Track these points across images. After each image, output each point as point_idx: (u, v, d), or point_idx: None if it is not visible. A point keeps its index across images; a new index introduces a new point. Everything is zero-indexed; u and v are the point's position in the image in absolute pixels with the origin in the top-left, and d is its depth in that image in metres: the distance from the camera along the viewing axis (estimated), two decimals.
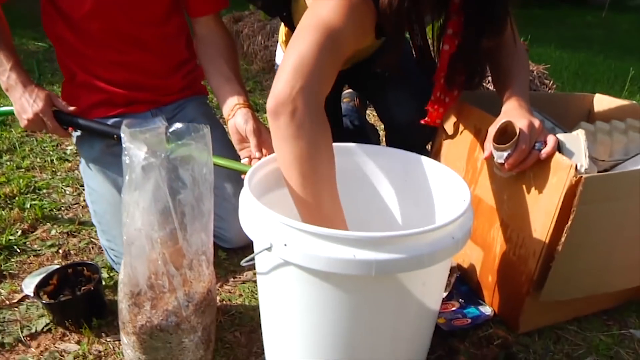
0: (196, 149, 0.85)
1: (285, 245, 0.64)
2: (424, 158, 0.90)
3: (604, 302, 1.08)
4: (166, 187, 0.82)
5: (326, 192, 0.79)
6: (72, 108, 1.12)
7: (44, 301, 1.00)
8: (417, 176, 0.91)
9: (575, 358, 0.98)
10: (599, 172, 1.08)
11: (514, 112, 0.93)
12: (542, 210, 0.91)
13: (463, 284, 1.18)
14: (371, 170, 0.95)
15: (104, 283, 1.16)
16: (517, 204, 0.98)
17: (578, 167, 0.87)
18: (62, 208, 1.53)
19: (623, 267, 0.98)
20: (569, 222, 0.86)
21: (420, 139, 1.29)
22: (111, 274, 1.21)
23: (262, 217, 0.68)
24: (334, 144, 0.91)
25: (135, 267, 0.83)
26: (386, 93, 1.25)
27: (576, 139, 0.91)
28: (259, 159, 1.02)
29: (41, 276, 1.17)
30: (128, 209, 0.81)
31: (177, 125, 0.91)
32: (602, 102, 1.38)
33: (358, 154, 0.95)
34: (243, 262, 0.72)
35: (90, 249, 1.33)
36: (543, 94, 1.40)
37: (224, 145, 1.26)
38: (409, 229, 0.93)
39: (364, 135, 1.74)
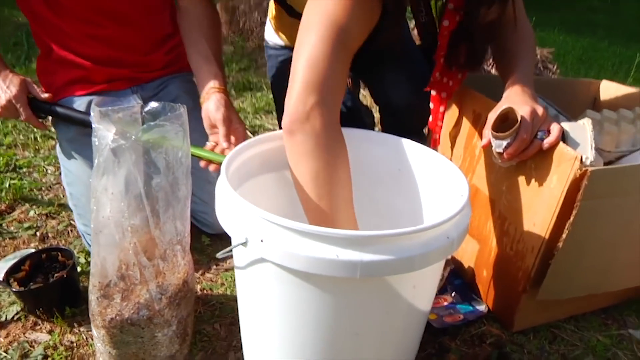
0: (171, 130, 0.78)
1: (261, 241, 0.59)
2: (419, 146, 0.83)
3: (603, 300, 1.03)
4: (137, 171, 0.75)
5: (343, 213, 0.74)
6: (46, 95, 1.05)
7: (13, 289, 0.95)
8: (412, 165, 0.85)
9: (571, 359, 0.93)
10: (604, 163, 1.03)
11: (516, 98, 0.86)
12: (543, 203, 0.85)
13: (457, 277, 1.13)
14: (363, 156, 0.89)
15: (80, 269, 1.11)
16: (516, 196, 0.92)
17: (583, 159, 0.80)
18: (43, 188, 1.47)
19: (628, 265, 0.92)
20: (572, 218, 0.80)
21: (417, 123, 1.22)
22: (88, 259, 1.15)
23: (238, 209, 0.62)
24: None
25: (104, 257, 0.78)
26: (383, 75, 1.18)
27: (582, 129, 0.85)
28: (226, 148, 0.97)
29: (15, 260, 1.12)
30: (95, 194, 0.75)
31: (153, 105, 0.85)
32: (609, 89, 1.31)
33: (350, 138, 0.88)
34: (219, 255, 0.66)
35: (69, 232, 1.27)
36: (547, 79, 1.33)
37: None
38: (402, 221, 0.89)
39: (357, 117, 1.67)
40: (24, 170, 1.56)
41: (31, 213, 1.33)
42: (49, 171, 1.57)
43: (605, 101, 1.32)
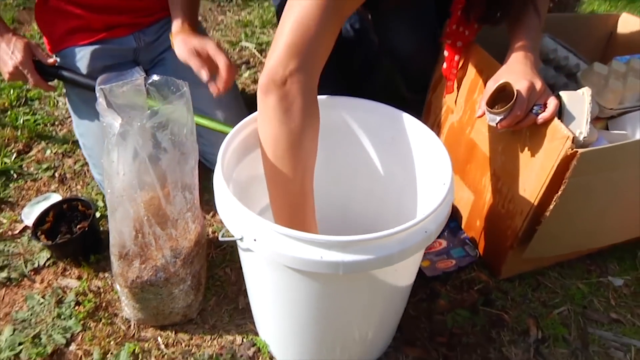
0: (176, 111, 0.81)
1: (255, 240, 0.64)
2: (414, 120, 0.84)
3: (588, 249, 1.09)
4: (145, 154, 0.80)
5: (298, 179, 0.74)
6: (51, 60, 1.05)
7: (42, 242, 1.04)
8: (405, 135, 0.86)
9: (550, 306, 1.02)
10: (605, 118, 1.03)
11: (516, 67, 0.85)
12: (534, 173, 0.88)
13: (453, 220, 1.19)
14: (357, 123, 0.91)
15: (99, 214, 1.19)
16: (510, 159, 0.94)
17: (577, 135, 0.82)
18: (56, 123, 1.52)
19: (614, 226, 0.97)
20: (559, 192, 0.83)
21: (421, 71, 1.21)
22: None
23: (234, 209, 0.67)
24: (321, 96, 0.86)
25: (121, 230, 0.85)
26: (389, 22, 1.14)
27: (580, 100, 0.85)
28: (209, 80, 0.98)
29: (39, 204, 1.21)
30: (108, 176, 0.81)
31: (155, 78, 0.87)
32: (627, 23, 1.26)
33: (345, 107, 0.89)
34: (220, 239, 0.72)
35: (85, 172, 1.33)
36: (562, 17, 1.27)
37: None
38: (394, 185, 0.93)
39: (366, 40, 1.62)
40: (36, 103, 1.58)
41: (47, 152, 1.39)
42: (60, 103, 1.59)
43: (622, 36, 1.27)
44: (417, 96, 1.29)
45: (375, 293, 0.73)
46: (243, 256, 0.77)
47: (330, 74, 1.30)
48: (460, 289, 1.06)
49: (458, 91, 1.09)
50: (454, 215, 1.19)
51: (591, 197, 0.87)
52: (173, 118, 0.80)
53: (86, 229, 1.05)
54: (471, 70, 1.03)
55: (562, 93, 0.87)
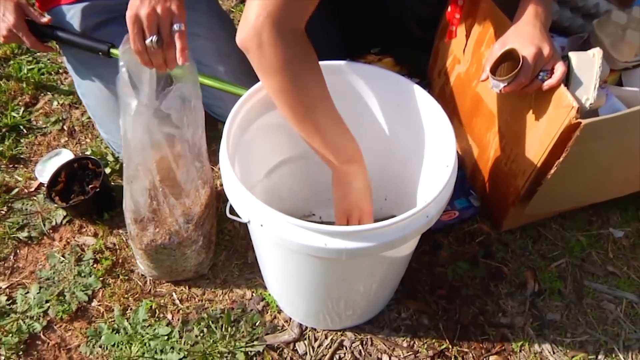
0: (186, 89, 0.81)
1: (261, 225, 0.66)
2: (420, 90, 0.83)
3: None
4: (160, 133, 0.81)
5: (322, 116, 0.74)
6: (45, 19, 1.01)
7: (56, 204, 1.08)
8: (410, 105, 0.85)
9: (548, 259, 1.05)
10: (619, 70, 1.00)
11: (525, 29, 0.81)
12: (538, 136, 0.87)
13: (460, 169, 1.19)
14: (363, 89, 0.89)
15: (109, 169, 1.21)
16: (515, 120, 0.93)
17: (583, 101, 0.80)
18: (60, 71, 1.50)
19: (615, 183, 0.97)
20: (561, 159, 0.83)
21: (429, 16, 1.15)
22: (117, 156, 1.24)
23: (242, 195, 0.68)
24: (324, 62, 0.84)
25: (137, 200, 0.88)
26: None
27: (590, 63, 0.82)
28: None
29: (50, 160, 1.24)
30: (126, 150, 0.83)
31: None
32: None
33: (349, 72, 0.87)
34: (228, 215, 0.75)
35: (92, 124, 1.34)
36: None
37: (213, 15, 1.19)
38: (400, 147, 0.93)
39: None
40: (38, 52, 1.56)
41: (54, 104, 1.39)
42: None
43: None
44: (429, 34, 1.24)
45: (377, 265, 0.77)
46: (250, 229, 0.80)
47: (335, 17, 1.26)
48: (462, 241, 1.09)
49: (466, 42, 1.05)
50: (461, 166, 1.19)
51: (594, 160, 0.87)
52: (183, 96, 0.81)
53: (98, 188, 1.08)
54: (478, 22, 0.99)
55: (571, 54, 0.83)
